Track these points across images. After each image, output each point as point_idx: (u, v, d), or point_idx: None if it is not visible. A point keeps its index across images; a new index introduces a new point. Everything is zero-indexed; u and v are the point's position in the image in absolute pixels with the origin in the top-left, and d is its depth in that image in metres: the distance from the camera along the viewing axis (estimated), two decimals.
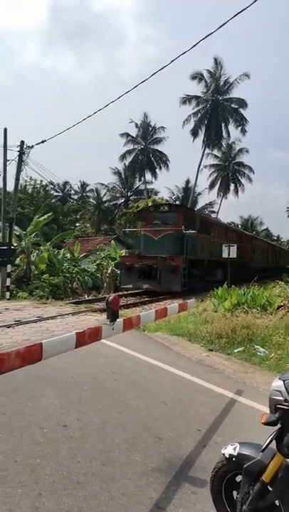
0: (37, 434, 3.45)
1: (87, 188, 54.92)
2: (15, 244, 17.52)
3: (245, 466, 2.05)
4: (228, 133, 41.11)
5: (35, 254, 18.81)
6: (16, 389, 4.42)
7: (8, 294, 15.19)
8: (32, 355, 2.39)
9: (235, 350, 6.67)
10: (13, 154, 17.31)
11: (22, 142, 16.77)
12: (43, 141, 16.06)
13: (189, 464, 3.11)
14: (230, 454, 2.17)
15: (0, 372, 2.16)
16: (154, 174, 46.30)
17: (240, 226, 53.89)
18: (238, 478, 2.16)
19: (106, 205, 49.95)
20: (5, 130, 16.38)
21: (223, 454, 2.21)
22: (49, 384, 4.72)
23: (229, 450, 2.18)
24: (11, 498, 2.54)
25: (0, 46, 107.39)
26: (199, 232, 18.16)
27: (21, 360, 2.28)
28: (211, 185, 46.87)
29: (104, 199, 50.18)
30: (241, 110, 39.71)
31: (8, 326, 8.28)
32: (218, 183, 46.66)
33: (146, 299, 15.68)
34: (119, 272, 18.93)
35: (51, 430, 3.53)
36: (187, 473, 2.98)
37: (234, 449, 2.17)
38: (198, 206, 46.95)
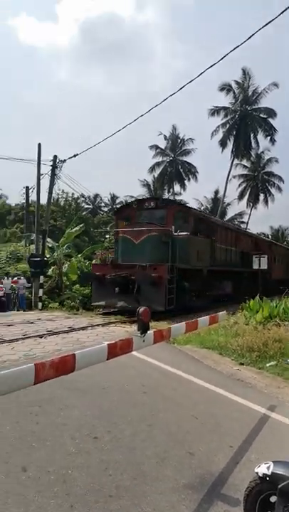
0: (69, 444, 3.48)
1: (117, 201, 55.63)
2: (47, 256, 17.95)
3: (279, 486, 1.98)
4: (257, 143, 40.72)
5: (66, 265, 19.18)
6: (49, 399, 4.49)
7: (40, 304, 15.55)
8: (66, 365, 2.43)
9: (267, 365, 6.50)
10: (46, 168, 17.83)
11: (55, 157, 17.30)
12: (74, 155, 16.48)
13: (222, 481, 3.05)
14: (263, 474, 2.10)
15: (35, 382, 2.21)
16: (183, 185, 46.34)
17: (270, 236, 52.77)
18: (273, 499, 2.09)
19: None
20: (39, 145, 16.97)
21: (257, 473, 2.15)
22: (81, 394, 4.76)
23: (263, 469, 2.12)
24: (43, 508, 2.57)
25: (33, 64, 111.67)
26: (194, 235, 14.31)
27: (55, 370, 2.33)
28: (240, 196, 46.34)
29: None
30: (270, 120, 39.32)
31: (41, 336, 8.46)
32: (248, 193, 46.10)
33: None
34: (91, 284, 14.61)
35: (83, 441, 3.55)
36: (219, 490, 2.92)
37: (268, 468, 2.11)
38: (228, 217, 46.50)
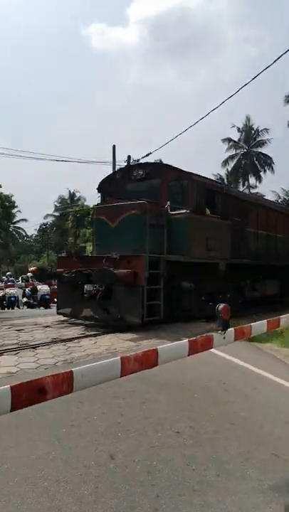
0: (152, 437, 3.58)
1: None
2: None
3: None
4: None
5: None
6: (132, 392, 4.64)
7: None
8: (149, 359, 2.51)
9: None
10: None
11: (129, 157, 17.78)
12: (148, 154, 16.72)
13: None
14: None
15: (121, 375, 2.32)
16: (259, 178, 44.72)
17: None
18: None
19: None
20: (113, 147, 17.58)
21: None
22: (161, 389, 4.86)
23: None
24: (131, 495, 2.68)
25: (105, 67, 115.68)
26: (199, 213, 10.16)
27: (140, 364, 2.41)
28: None
29: None
30: None
31: (121, 331, 8.75)
32: None
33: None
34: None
35: (165, 435, 3.63)
36: None
37: None
38: None
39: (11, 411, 1.74)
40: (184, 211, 9.79)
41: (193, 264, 9.88)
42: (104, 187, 11.84)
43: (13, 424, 3.58)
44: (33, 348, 7.06)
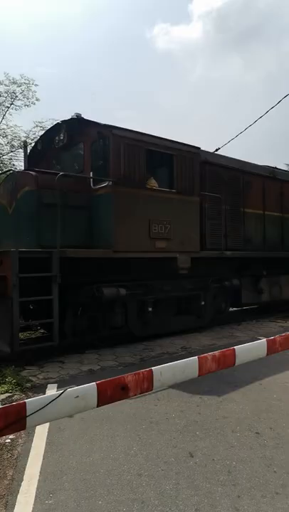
0: (230, 437, 3.56)
1: None
2: None
3: None
4: None
5: None
6: (208, 391, 4.65)
7: None
8: (226, 359, 2.51)
9: None
10: None
11: None
12: (216, 150, 16.43)
13: None
14: None
15: (199, 374, 2.35)
16: None
17: None
18: None
19: None
20: None
21: None
22: (238, 389, 4.79)
23: None
24: (212, 494, 2.71)
25: (170, 66, 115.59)
26: (132, 186, 7.03)
27: (217, 363, 2.43)
28: None
29: None
30: None
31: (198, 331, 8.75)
32: None
33: None
34: None
35: (244, 435, 3.59)
36: None
37: None
38: None
39: (96, 407, 1.87)
40: (106, 183, 6.96)
41: (131, 260, 7.12)
42: (33, 162, 8.33)
43: (98, 420, 3.79)
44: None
